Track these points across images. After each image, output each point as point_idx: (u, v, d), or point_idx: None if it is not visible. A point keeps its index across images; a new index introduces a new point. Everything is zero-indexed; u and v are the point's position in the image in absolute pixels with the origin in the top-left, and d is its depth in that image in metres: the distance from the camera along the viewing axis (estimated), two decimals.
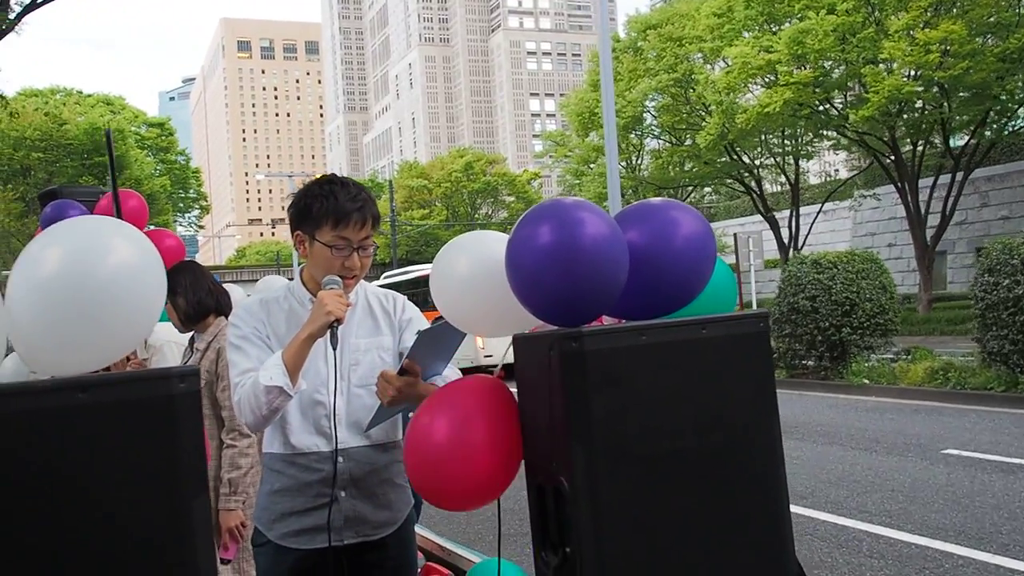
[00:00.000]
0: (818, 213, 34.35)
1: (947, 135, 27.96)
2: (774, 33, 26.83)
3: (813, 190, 41.41)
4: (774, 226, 33.17)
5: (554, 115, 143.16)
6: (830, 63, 26.23)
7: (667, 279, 1.94)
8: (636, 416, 1.78)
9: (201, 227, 74.87)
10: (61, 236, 1.68)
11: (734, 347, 1.90)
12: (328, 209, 2.47)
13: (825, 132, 30.38)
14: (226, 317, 4.05)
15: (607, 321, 2.05)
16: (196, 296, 3.94)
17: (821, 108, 27.53)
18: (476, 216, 61.89)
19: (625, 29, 34.60)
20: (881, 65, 25.06)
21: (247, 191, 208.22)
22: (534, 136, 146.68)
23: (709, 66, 30.60)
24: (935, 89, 25.38)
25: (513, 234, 1.88)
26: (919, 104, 26.04)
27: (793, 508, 6.67)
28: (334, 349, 2.39)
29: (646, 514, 1.78)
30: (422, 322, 2.72)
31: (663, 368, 1.82)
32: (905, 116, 26.57)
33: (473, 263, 2.16)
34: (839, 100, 28.51)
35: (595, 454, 1.74)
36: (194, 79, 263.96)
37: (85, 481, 1.45)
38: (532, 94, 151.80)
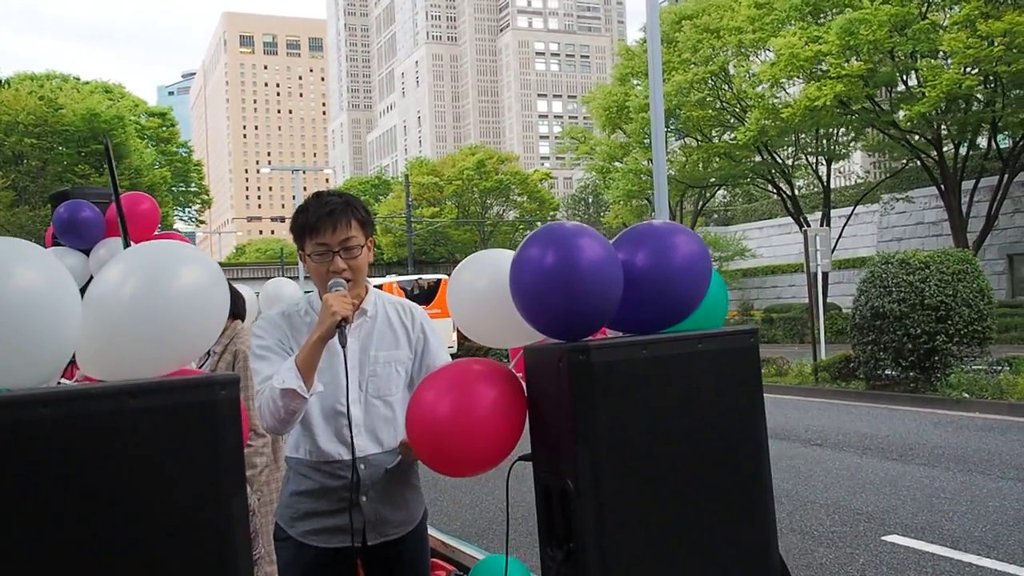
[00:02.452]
0: (850, 216, 32.99)
1: (996, 135, 26.60)
2: (819, 24, 25.53)
3: (834, 193, 40.06)
4: (803, 230, 31.78)
5: (561, 117, 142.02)
6: (878, 57, 24.89)
7: (666, 296, 2.03)
8: (636, 422, 1.91)
9: (202, 222, 72.60)
10: (134, 260, 1.82)
11: (726, 360, 2.05)
12: (302, 223, 2.67)
13: (867, 131, 29.06)
14: (241, 320, 4.22)
15: (610, 333, 2.16)
16: None
17: (866, 104, 26.19)
18: (487, 215, 60.47)
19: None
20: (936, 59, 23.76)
21: (247, 188, 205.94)
22: (541, 137, 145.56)
23: (749, 59, 29.22)
24: (990, 85, 24.12)
25: (516, 255, 1.99)
26: (963, 104, 24.81)
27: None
28: (343, 347, 2.51)
29: (644, 512, 1.90)
30: (436, 338, 2.91)
31: (662, 379, 1.95)
32: (951, 115, 25.24)
33: (488, 280, 2.27)
34: (881, 97, 27.24)
35: (599, 457, 1.86)
36: (194, 74, 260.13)
37: (134, 479, 1.52)
38: (540, 95, 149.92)
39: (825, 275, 32.03)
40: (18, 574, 1.43)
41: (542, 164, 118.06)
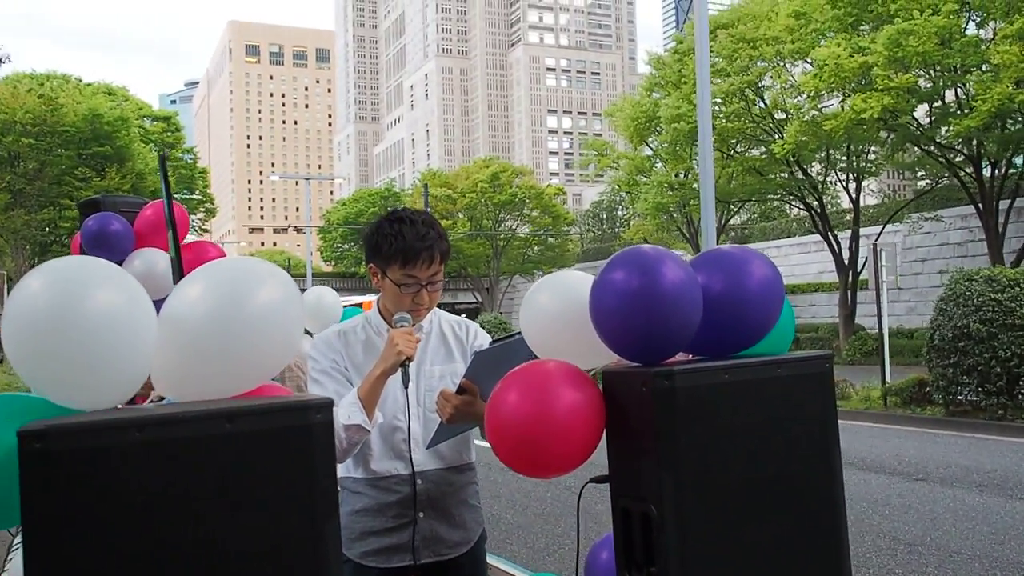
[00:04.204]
0: (879, 234, 32.06)
1: None
2: (860, 36, 24.73)
3: (850, 213, 39.25)
4: (832, 249, 30.97)
5: (570, 133, 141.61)
6: (922, 70, 24.10)
7: (742, 320, 2.01)
8: (717, 447, 1.89)
9: (206, 231, 71.14)
10: (211, 276, 1.77)
11: (803, 385, 2.04)
12: (397, 249, 2.59)
13: (905, 147, 28.24)
14: None
15: (679, 356, 2.11)
16: None
17: (908, 119, 25.36)
18: (500, 229, 59.65)
19: (684, 32, 32.46)
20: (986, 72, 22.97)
21: (249, 198, 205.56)
22: (550, 153, 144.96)
23: (786, 70, 28.39)
24: None
25: (598, 278, 1.98)
26: (1001, 122, 24.02)
27: None
28: (405, 387, 2.53)
29: (725, 537, 1.88)
30: None
31: (742, 403, 1.93)
32: (991, 132, 24.35)
33: (563, 301, 2.24)
34: (918, 113, 26.43)
35: (682, 482, 1.84)
36: (197, 83, 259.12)
37: (228, 504, 1.49)
38: (550, 110, 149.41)
39: (854, 295, 31.45)
40: None
41: (551, 180, 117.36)
